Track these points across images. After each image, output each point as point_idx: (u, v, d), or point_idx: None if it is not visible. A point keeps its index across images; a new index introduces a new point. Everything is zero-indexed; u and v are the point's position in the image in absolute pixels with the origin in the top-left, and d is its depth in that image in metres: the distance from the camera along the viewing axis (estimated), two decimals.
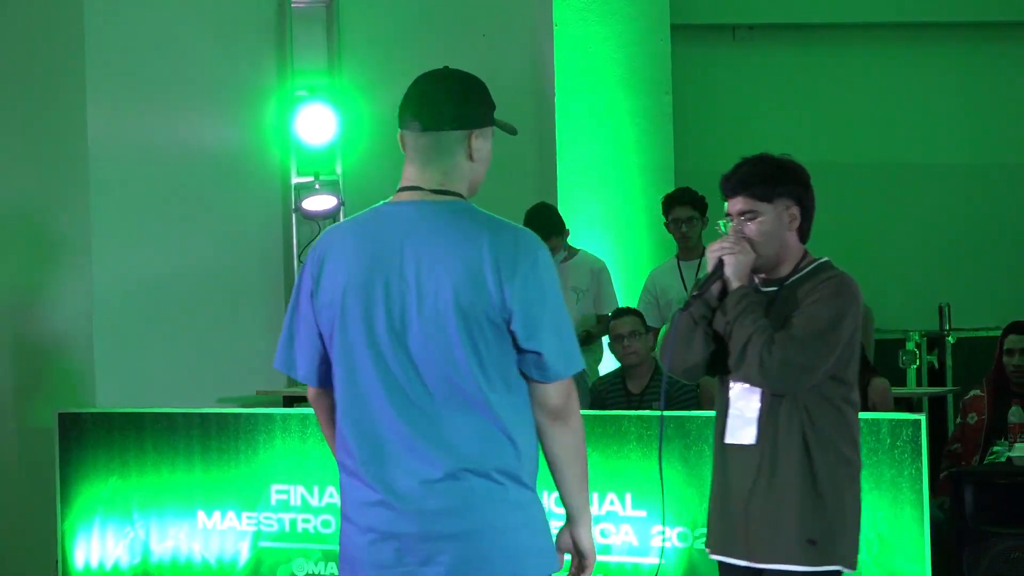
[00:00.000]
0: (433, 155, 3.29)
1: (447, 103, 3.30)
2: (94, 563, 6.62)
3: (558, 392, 3.25)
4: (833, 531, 4.01)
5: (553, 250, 7.79)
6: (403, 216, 3.26)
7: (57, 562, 6.71)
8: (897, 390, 7.49)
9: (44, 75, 8.18)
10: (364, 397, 3.23)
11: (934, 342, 9.05)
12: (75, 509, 6.65)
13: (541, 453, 3.29)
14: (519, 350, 3.21)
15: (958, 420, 7.17)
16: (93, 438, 6.64)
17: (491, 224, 3.24)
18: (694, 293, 4.06)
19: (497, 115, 3.39)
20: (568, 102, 8.49)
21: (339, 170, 8.40)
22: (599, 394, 7.17)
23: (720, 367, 4.11)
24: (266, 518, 6.41)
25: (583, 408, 3.52)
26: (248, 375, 8.16)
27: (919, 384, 8.57)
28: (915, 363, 8.30)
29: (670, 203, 7.82)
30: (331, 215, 8.35)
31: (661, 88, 8.67)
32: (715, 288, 4.06)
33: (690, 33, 9.79)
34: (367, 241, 3.26)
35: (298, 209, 8.37)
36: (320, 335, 3.30)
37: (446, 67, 3.38)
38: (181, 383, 8.12)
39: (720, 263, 4.06)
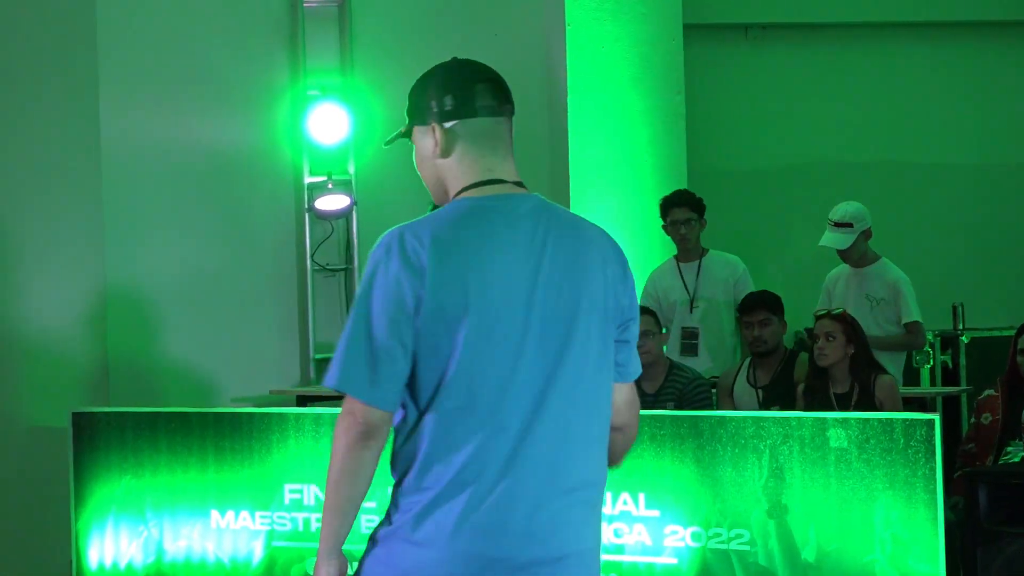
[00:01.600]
0: (510, 143, 3.09)
1: (508, 89, 3.12)
2: (108, 562, 6.62)
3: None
4: None
5: None
6: (518, 212, 3.01)
7: (71, 561, 6.71)
8: (911, 390, 7.48)
9: (57, 74, 8.18)
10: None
11: (948, 342, 9.03)
12: (89, 508, 6.66)
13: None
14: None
15: (972, 420, 7.15)
16: (107, 438, 6.64)
17: (589, 224, 3.14)
18: None
19: None
20: (580, 101, 8.48)
21: (352, 169, 8.39)
22: None
23: None
24: (280, 517, 6.41)
25: None
26: (261, 374, 8.17)
27: (933, 384, 8.56)
28: (929, 363, 8.30)
29: (668, 205, 7.84)
30: (344, 215, 8.35)
31: (673, 88, 8.66)
32: None
33: (703, 33, 9.79)
34: (492, 239, 2.97)
35: (311, 209, 8.37)
36: (414, 354, 2.94)
37: (455, 58, 3.18)
38: (194, 382, 8.13)
39: None
